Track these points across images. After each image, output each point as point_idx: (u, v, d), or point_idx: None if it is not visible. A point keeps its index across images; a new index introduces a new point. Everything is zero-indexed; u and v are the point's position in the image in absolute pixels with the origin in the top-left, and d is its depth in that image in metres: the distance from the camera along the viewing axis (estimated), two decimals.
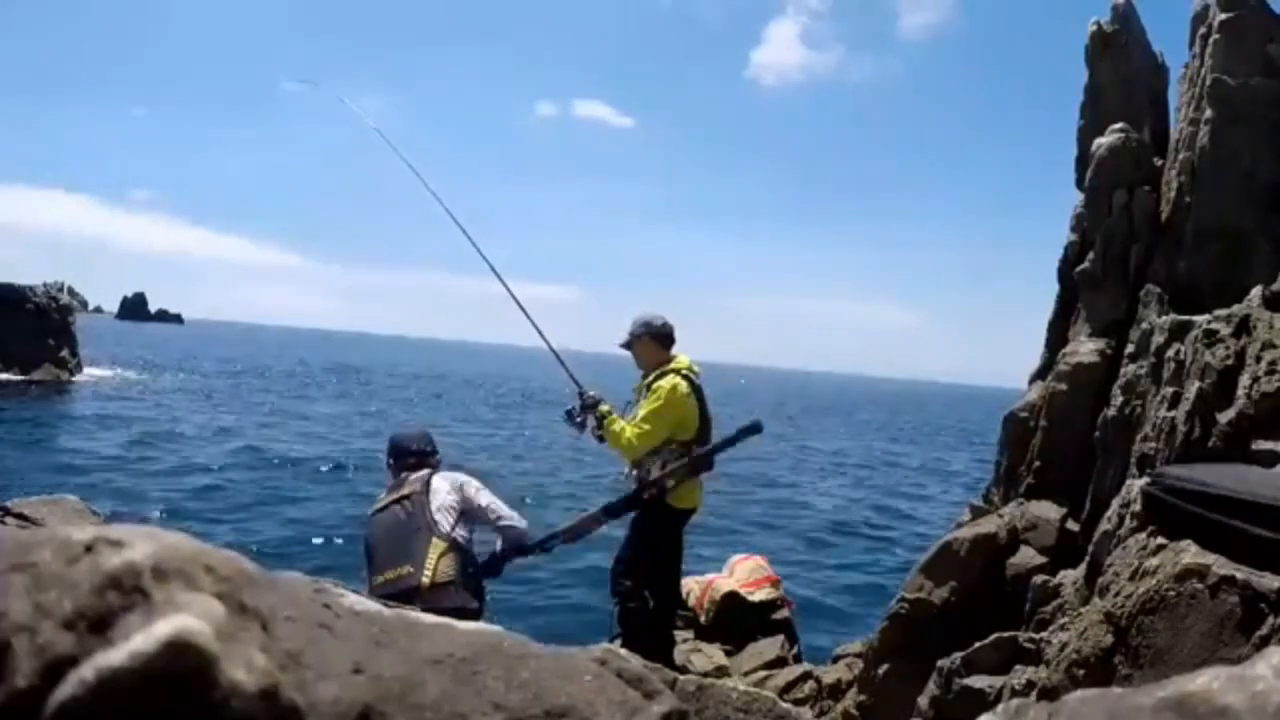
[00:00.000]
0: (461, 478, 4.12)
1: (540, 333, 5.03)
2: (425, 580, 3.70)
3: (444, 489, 3.99)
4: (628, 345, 4.85)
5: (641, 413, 4.61)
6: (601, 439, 4.70)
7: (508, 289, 5.04)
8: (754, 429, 4.65)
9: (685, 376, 4.69)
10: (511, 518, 4.13)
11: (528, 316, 5.02)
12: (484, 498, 4.08)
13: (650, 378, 4.73)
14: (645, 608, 4.68)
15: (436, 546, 3.77)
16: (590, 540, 4.91)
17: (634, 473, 4.69)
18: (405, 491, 3.99)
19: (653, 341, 4.82)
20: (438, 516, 3.87)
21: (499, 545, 4.25)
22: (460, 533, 3.92)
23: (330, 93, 5.91)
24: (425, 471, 4.09)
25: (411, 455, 4.21)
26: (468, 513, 4.00)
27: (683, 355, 4.84)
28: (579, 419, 4.75)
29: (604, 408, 4.67)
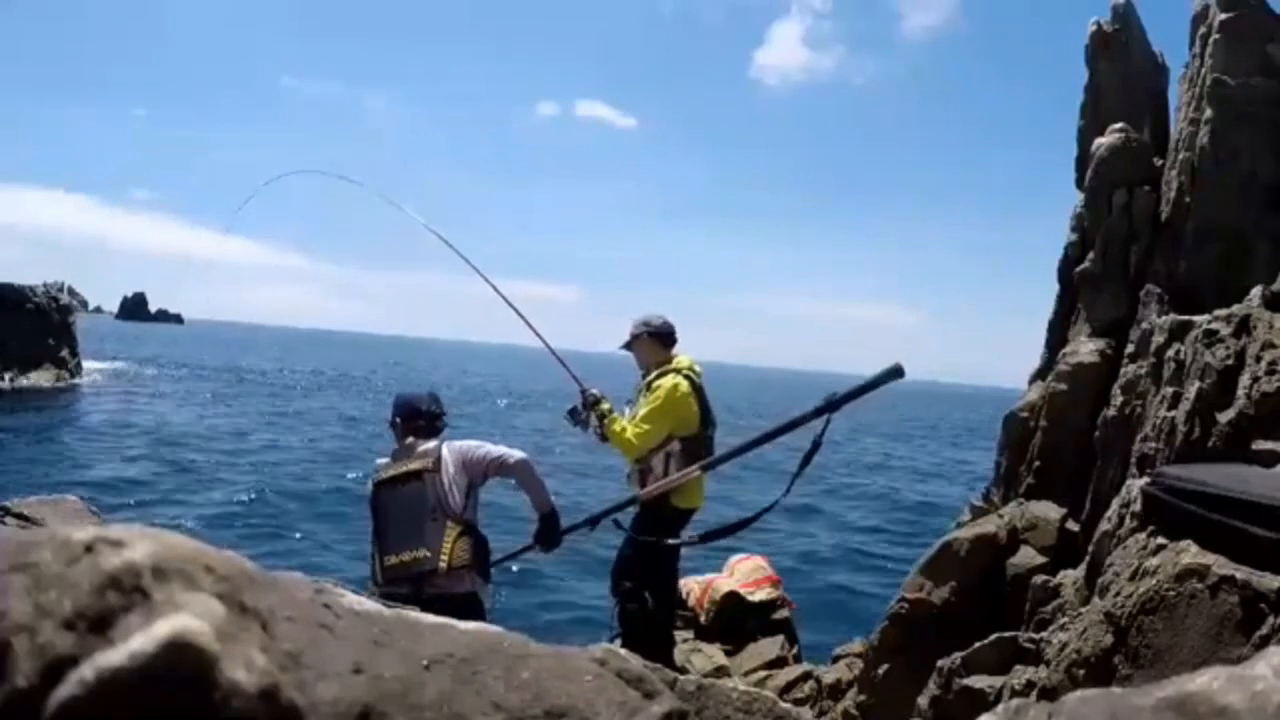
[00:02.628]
0: (461, 448, 4.01)
1: (554, 353, 5.01)
2: (443, 565, 3.69)
3: (452, 462, 3.92)
4: (628, 345, 4.86)
5: (641, 412, 4.61)
6: (604, 437, 4.71)
7: (541, 336, 5.04)
8: (896, 372, 4.32)
9: (686, 376, 4.69)
10: (507, 455, 4.01)
11: (550, 349, 5.01)
12: (479, 451, 3.98)
13: (651, 376, 4.73)
14: (645, 608, 4.68)
15: (452, 530, 3.75)
16: (590, 537, 4.90)
17: (636, 469, 4.69)
18: (415, 466, 3.89)
19: (652, 341, 4.82)
20: (450, 497, 3.83)
21: (531, 501, 4.14)
22: (470, 512, 3.89)
23: (373, 192, 5.86)
24: (435, 444, 4.00)
25: (422, 417, 4.10)
26: (474, 480, 3.93)
27: (684, 355, 4.84)
28: (581, 416, 4.75)
29: (604, 406, 4.67)
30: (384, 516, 3.88)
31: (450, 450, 3.99)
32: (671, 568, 4.92)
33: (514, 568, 4.87)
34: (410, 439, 4.05)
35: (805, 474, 4.57)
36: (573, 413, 4.81)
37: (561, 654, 0.98)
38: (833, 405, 4.38)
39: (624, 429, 4.57)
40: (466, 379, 65.04)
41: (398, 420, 4.15)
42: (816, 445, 4.43)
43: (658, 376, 4.68)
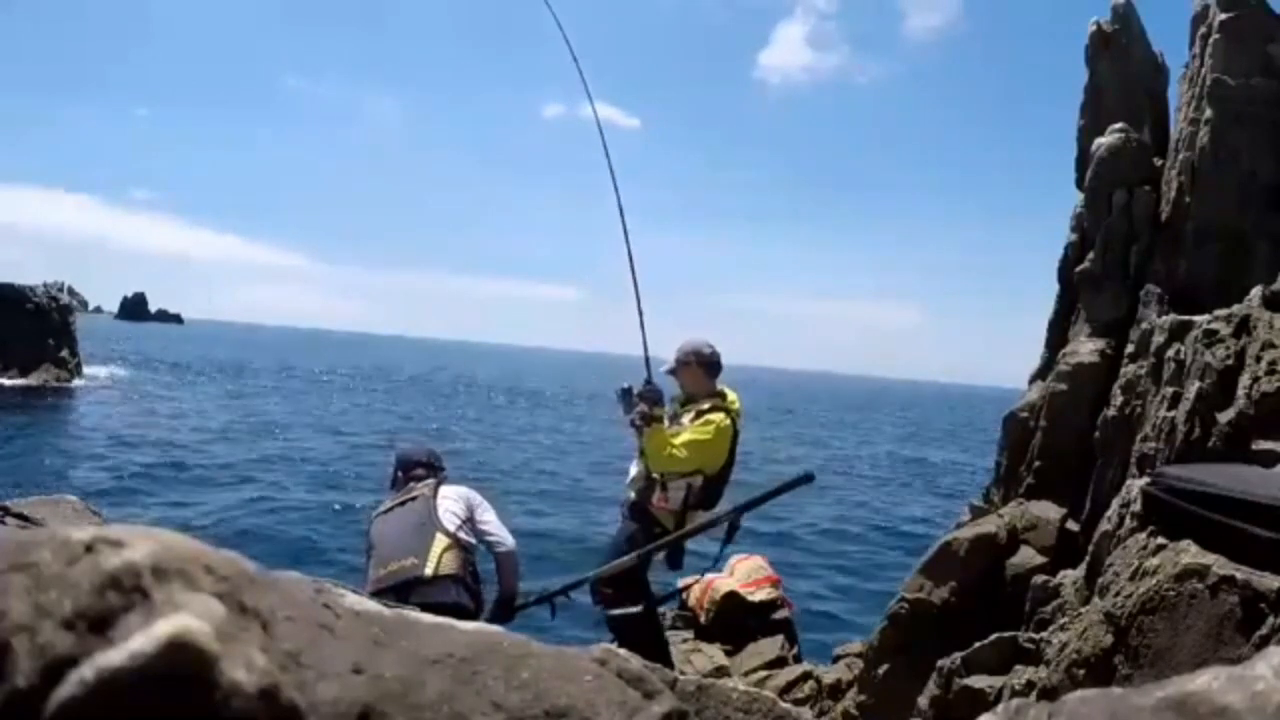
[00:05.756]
0: (468, 492, 4.17)
1: (644, 339, 4.91)
2: (429, 572, 3.72)
3: (451, 495, 4.06)
4: (673, 371, 4.84)
5: (686, 437, 4.57)
6: (639, 429, 4.69)
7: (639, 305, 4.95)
8: (805, 479, 4.62)
9: (731, 418, 4.70)
10: (503, 540, 4.14)
11: (644, 336, 4.90)
12: (483, 514, 4.12)
13: (705, 404, 4.69)
14: (631, 611, 4.68)
15: (440, 541, 3.81)
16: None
17: (643, 479, 4.66)
18: (413, 494, 4.05)
19: (700, 369, 4.81)
20: (443, 516, 3.92)
21: (499, 583, 4.24)
22: (464, 536, 3.93)
23: None
24: (433, 480, 4.14)
25: (420, 466, 4.27)
26: (470, 522, 4.04)
27: (731, 392, 4.83)
28: (634, 402, 4.72)
29: (659, 411, 4.63)
30: (376, 537, 3.98)
31: (452, 488, 4.12)
32: (644, 571, 4.92)
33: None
34: (410, 485, 4.17)
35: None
36: (626, 393, 4.77)
37: (561, 654, 0.98)
38: (748, 506, 4.70)
39: (665, 444, 4.55)
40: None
41: (399, 474, 4.29)
42: (734, 528, 4.74)
43: (711, 409, 4.67)
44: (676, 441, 4.52)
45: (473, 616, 3.83)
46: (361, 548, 4.16)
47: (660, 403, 4.66)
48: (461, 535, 3.92)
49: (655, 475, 4.59)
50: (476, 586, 3.98)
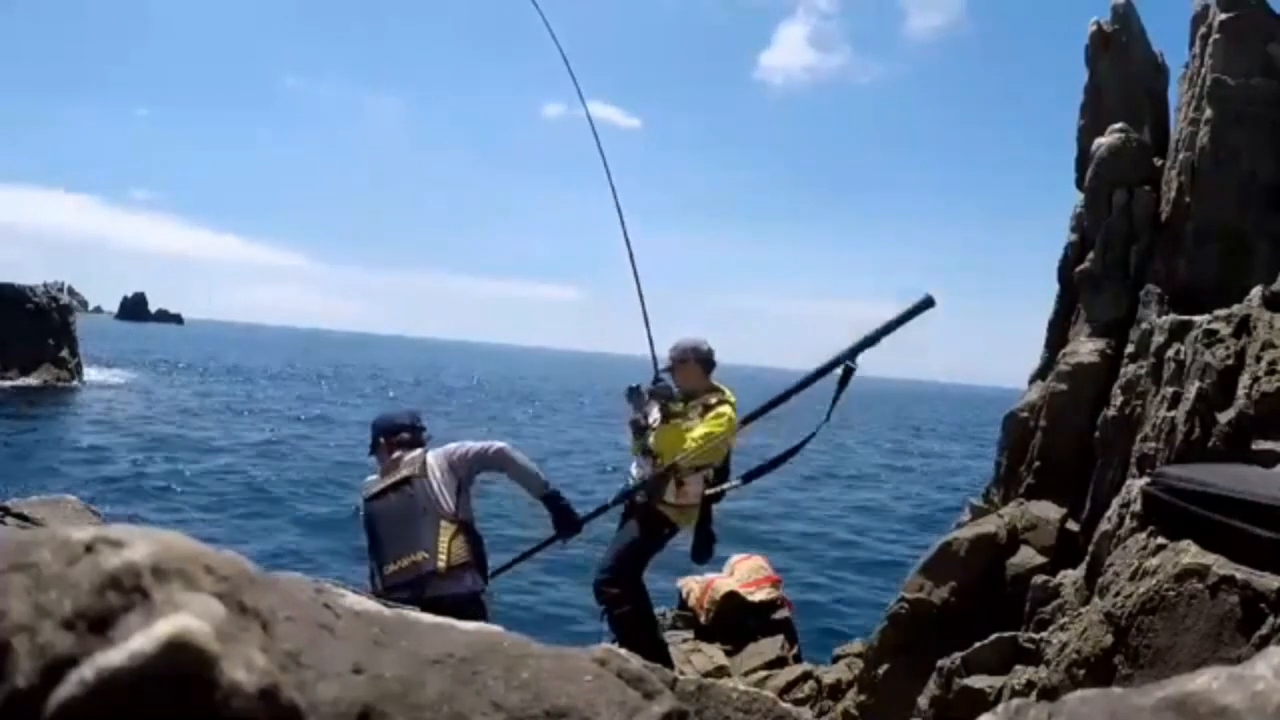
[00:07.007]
0: (443, 450, 4.01)
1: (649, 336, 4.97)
2: (441, 564, 3.68)
3: (438, 466, 3.93)
4: (670, 369, 4.85)
5: (703, 430, 4.60)
6: (639, 427, 4.68)
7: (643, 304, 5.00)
8: (928, 303, 4.50)
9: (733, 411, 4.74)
10: (487, 445, 4.02)
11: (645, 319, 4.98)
12: (460, 449, 3.99)
13: (711, 399, 4.72)
14: (635, 610, 4.68)
15: (446, 529, 3.75)
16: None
17: (649, 470, 4.66)
18: (404, 474, 3.90)
19: (698, 365, 4.85)
20: (441, 497, 3.82)
21: (530, 490, 4.11)
22: (463, 512, 3.88)
23: None
24: (419, 451, 4.00)
25: (405, 430, 4.10)
26: (462, 480, 3.93)
27: (725, 387, 4.86)
28: (643, 399, 4.72)
29: (675, 407, 4.65)
30: (377, 528, 3.88)
31: (435, 455, 3.98)
32: (642, 570, 4.93)
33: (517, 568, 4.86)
34: (396, 454, 4.02)
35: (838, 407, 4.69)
36: (634, 391, 4.78)
37: (562, 654, 0.98)
38: (866, 344, 4.54)
39: (683, 436, 4.56)
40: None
41: (380, 440, 4.11)
42: (849, 372, 4.57)
43: (719, 403, 4.70)
44: (696, 434, 4.55)
45: (481, 598, 3.81)
46: (358, 528, 4.02)
47: (674, 398, 4.68)
48: (460, 513, 3.85)
49: (670, 473, 4.60)
50: (482, 562, 3.92)
